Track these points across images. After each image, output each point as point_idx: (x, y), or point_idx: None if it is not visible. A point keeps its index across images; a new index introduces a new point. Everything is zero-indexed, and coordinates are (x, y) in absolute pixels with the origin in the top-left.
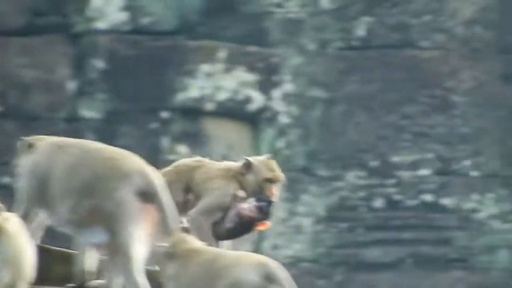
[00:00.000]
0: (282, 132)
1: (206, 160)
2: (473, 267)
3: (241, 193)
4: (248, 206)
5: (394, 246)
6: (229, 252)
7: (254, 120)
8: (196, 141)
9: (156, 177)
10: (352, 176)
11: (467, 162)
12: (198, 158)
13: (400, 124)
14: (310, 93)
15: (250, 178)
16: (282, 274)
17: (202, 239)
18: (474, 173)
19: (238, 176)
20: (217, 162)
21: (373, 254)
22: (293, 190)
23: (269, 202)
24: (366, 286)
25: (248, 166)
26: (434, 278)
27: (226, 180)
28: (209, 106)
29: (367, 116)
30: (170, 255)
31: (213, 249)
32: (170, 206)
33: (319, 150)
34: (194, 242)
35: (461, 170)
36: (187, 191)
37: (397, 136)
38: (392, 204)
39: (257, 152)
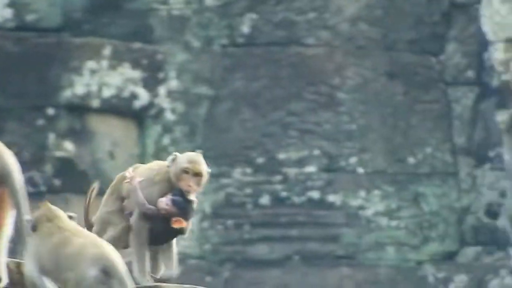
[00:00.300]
0: (167, 129)
1: (142, 165)
2: (360, 264)
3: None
4: (165, 199)
5: (281, 243)
6: (79, 236)
7: (139, 117)
8: (82, 137)
9: (11, 160)
10: (239, 173)
11: (353, 159)
12: (137, 165)
13: (286, 121)
14: (196, 90)
15: (172, 170)
16: (121, 268)
17: (142, 243)
18: (361, 170)
19: (166, 174)
20: (149, 164)
21: (260, 251)
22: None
23: (185, 199)
24: (254, 283)
25: (173, 159)
26: (322, 275)
27: (153, 180)
28: (95, 103)
29: (253, 113)
30: (33, 228)
31: (71, 228)
32: (23, 190)
33: (205, 147)
34: (59, 217)
35: (347, 167)
36: (122, 200)
37: (283, 133)
38: (278, 201)
39: (143, 149)
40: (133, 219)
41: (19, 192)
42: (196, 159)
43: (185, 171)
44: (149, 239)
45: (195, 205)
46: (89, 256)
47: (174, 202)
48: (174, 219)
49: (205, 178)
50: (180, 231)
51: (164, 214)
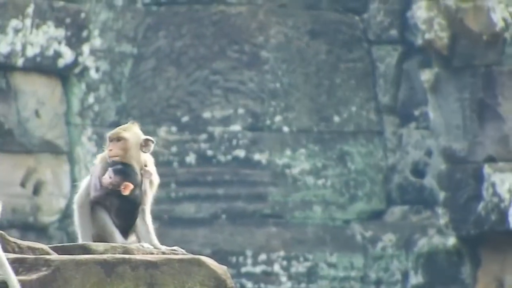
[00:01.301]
0: (92, 87)
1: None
2: (287, 223)
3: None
4: (106, 174)
5: (208, 202)
6: None
7: (64, 76)
8: (7, 96)
9: None
10: (164, 132)
11: (278, 118)
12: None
13: (210, 80)
14: (119, 48)
15: None
16: None
17: (84, 221)
18: (286, 129)
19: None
20: None
21: (187, 209)
22: (105, 146)
23: (123, 164)
24: (181, 241)
25: None
26: (249, 234)
27: (100, 158)
28: (19, 62)
29: (177, 71)
30: None
31: None
32: None
33: (129, 106)
34: None
35: (272, 125)
36: None
37: (207, 92)
38: (204, 160)
39: (68, 108)
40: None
41: None
42: (120, 127)
43: (108, 139)
44: (116, 218)
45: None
46: None
47: (114, 172)
48: (122, 187)
49: (129, 141)
50: (136, 200)
51: (113, 188)
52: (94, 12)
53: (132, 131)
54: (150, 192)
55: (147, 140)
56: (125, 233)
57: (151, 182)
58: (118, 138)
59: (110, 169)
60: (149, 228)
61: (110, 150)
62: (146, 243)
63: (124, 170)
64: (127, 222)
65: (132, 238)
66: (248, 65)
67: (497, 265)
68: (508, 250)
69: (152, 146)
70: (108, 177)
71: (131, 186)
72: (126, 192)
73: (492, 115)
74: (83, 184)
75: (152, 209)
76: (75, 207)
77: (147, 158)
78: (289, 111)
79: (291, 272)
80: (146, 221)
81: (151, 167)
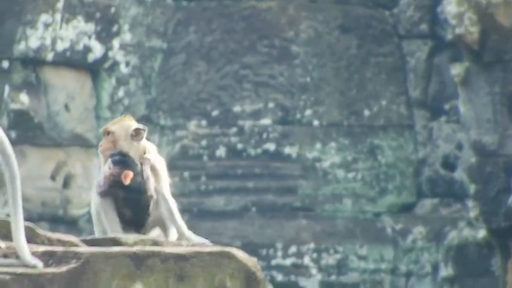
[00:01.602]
0: (122, 81)
1: None
2: (317, 216)
3: None
4: (106, 166)
5: (237, 195)
6: None
7: (94, 70)
8: (37, 90)
9: None
10: (194, 125)
11: (308, 112)
12: None
13: (240, 74)
14: (149, 43)
15: None
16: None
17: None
18: (316, 123)
19: None
20: None
21: (217, 202)
22: None
23: (119, 154)
24: (211, 234)
25: None
26: (279, 227)
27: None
28: (49, 56)
29: (207, 66)
30: None
31: None
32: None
33: (159, 100)
34: None
35: (302, 119)
36: None
37: (237, 86)
38: (234, 153)
39: (98, 102)
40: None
41: (17, 173)
42: (113, 121)
43: (102, 134)
44: (125, 210)
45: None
46: None
47: (112, 162)
48: (122, 177)
49: (115, 134)
50: (140, 188)
51: (114, 179)
52: (124, 7)
53: (121, 124)
54: (160, 180)
55: (137, 129)
56: (141, 226)
57: (154, 170)
58: (107, 132)
59: (109, 160)
60: (175, 217)
61: (100, 145)
62: (184, 238)
63: (122, 159)
64: (138, 213)
65: (156, 231)
66: (278, 59)
67: None
68: None
69: (143, 134)
70: (108, 169)
71: (131, 174)
72: (127, 181)
73: None
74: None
75: (182, 201)
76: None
77: (149, 147)
78: (319, 105)
79: (321, 264)
80: (171, 210)
81: (152, 155)
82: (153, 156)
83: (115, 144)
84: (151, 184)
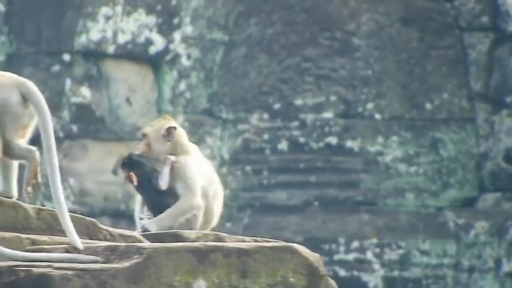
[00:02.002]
0: (183, 74)
1: None
2: (380, 210)
3: None
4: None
5: (300, 189)
6: None
7: (155, 63)
8: (98, 83)
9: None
10: (256, 119)
11: (370, 105)
12: None
13: (302, 67)
14: (211, 35)
15: None
16: (39, 94)
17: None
18: (378, 116)
19: None
20: None
21: (279, 196)
22: (197, 133)
23: (129, 157)
24: (273, 229)
25: None
26: (342, 221)
27: None
28: (110, 49)
29: (269, 58)
30: None
31: None
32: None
33: (221, 93)
34: None
35: (364, 112)
36: None
37: (299, 79)
38: (296, 147)
39: (160, 95)
40: None
41: (52, 135)
42: (151, 122)
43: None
44: (148, 207)
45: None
46: (8, 83)
47: (121, 166)
48: (130, 178)
49: (149, 136)
50: (150, 187)
51: (127, 181)
52: None
53: (155, 125)
54: (180, 179)
55: (168, 128)
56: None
57: (174, 169)
58: (143, 135)
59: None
60: (165, 212)
61: (138, 148)
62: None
63: (129, 162)
64: (157, 210)
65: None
66: (340, 52)
67: None
68: None
69: (174, 133)
70: (122, 173)
71: (133, 176)
72: (134, 182)
73: None
74: None
75: (244, 196)
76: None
77: (188, 148)
78: (381, 98)
79: (383, 259)
80: (173, 206)
81: (188, 156)
82: (182, 159)
83: (149, 146)
84: (164, 182)
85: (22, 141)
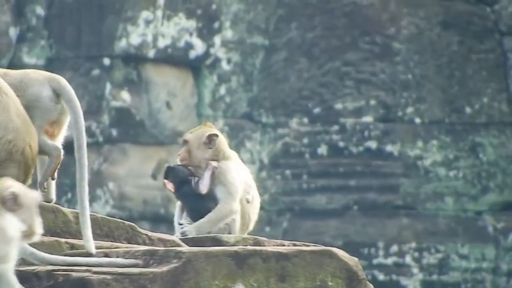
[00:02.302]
0: (223, 79)
1: None
2: (419, 214)
3: None
4: None
5: (339, 193)
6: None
7: (195, 67)
8: (138, 87)
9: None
10: (295, 123)
11: (410, 109)
12: None
13: (342, 71)
14: (251, 40)
15: None
16: (70, 89)
17: None
18: (417, 120)
19: None
20: None
21: (319, 201)
22: (236, 137)
23: (168, 166)
24: (313, 233)
25: None
26: (381, 225)
27: None
28: (150, 53)
29: (309, 63)
30: None
31: None
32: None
33: (261, 97)
34: None
35: (404, 117)
36: None
37: (339, 83)
38: (336, 151)
39: (200, 99)
40: None
41: (83, 133)
42: (192, 129)
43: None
44: (187, 214)
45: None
46: (41, 79)
47: (164, 175)
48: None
49: (190, 143)
50: (188, 194)
51: (169, 191)
52: (226, 3)
53: (196, 132)
54: (220, 183)
55: (210, 136)
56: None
57: (215, 174)
58: (184, 141)
59: None
60: (205, 217)
61: (179, 154)
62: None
63: (167, 170)
64: (197, 216)
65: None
66: (380, 56)
67: None
68: None
69: (216, 140)
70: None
71: (168, 184)
72: (171, 190)
73: None
74: None
75: (283, 200)
76: None
77: (229, 154)
78: (421, 102)
79: (422, 263)
80: (213, 210)
81: (228, 162)
82: (223, 164)
83: (190, 153)
84: (204, 186)
85: (48, 138)
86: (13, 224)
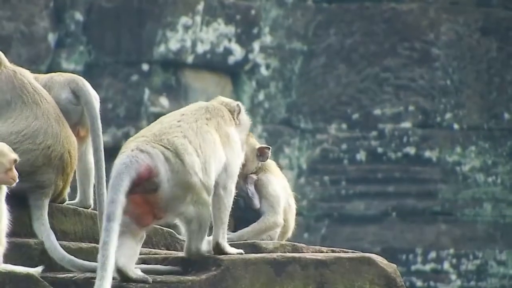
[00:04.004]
0: (262, 84)
1: None
2: (457, 220)
3: None
4: None
5: (378, 199)
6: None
7: (234, 73)
8: (177, 93)
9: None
10: (334, 129)
11: (448, 115)
12: None
13: (381, 77)
14: (290, 45)
15: None
16: (91, 90)
17: None
18: (456, 126)
19: None
20: None
21: (357, 207)
22: (275, 143)
23: None
24: (351, 239)
25: None
26: (419, 231)
27: None
28: (189, 59)
29: (348, 68)
30: None
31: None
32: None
33: (299, 103)
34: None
35: (443, 123)
36: None
37: (378, 89)
38: (375, 157)
39: None
40: None
41: (100, 135)
42: None
43: None
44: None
45: None
46: (61, 81)
47: None
48: None
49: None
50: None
51: None
52: (264, 9)
53: (247, 144)
54: (262, 197)
55: (261, 149)
56: None
57: (257, 186)
58: None
59: None
60: (249, 227)
61: None
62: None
63: None
64: (236, 224)
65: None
66: (419, 62)
67: None
68: None
69: (268, 153)
70: None
71: None
72: None
73: None
74: None
75: (322, 206)
76: None
77: (268, 164)
78: (460, 108)
79: (460, 270)
80: (257, 222)
81: (268, 173)
82: (263, 177)
83: (243, 167)
84: (258, 201)
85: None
86: None
